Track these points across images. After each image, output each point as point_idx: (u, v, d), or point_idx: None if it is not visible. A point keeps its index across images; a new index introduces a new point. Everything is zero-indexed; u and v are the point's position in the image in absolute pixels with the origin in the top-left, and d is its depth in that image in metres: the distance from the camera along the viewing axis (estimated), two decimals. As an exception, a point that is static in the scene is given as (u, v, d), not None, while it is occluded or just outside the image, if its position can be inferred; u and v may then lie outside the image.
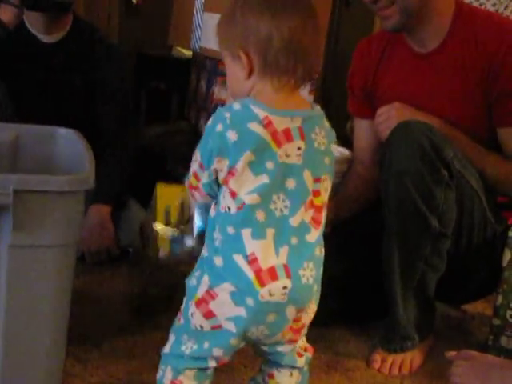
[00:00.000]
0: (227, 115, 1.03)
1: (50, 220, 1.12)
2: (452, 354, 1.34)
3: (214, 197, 1.08)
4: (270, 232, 1.04)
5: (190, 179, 1.10)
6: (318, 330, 1.44)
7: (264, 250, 1.03)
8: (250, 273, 1.03)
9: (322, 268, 1.13)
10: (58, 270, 1.17)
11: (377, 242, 1.59)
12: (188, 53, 3.36)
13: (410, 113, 1.62)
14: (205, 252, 1.09)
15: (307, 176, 1.07)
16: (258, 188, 1.03)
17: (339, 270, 1.73)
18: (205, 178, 1.07)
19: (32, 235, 1.11)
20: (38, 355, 1.19)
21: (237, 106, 1.05)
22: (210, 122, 1.06)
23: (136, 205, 2.15)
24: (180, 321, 1.12)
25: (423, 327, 1.60)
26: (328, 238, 1.72)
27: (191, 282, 1.10)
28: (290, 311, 1.07)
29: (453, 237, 1.54)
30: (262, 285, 1.03)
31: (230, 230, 1.04)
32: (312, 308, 1.12)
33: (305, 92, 2.27)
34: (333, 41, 3.65)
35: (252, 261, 1.03)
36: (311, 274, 1.08)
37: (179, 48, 3.31)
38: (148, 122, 3.18)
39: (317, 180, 1.08)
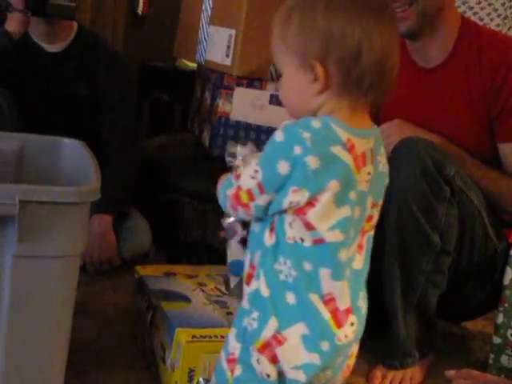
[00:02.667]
0: (306, 136, 0.86)
1: (55, 231, 1.12)
2: (452, 372, 1.34)
3: (263, 217, 0.94)
4: (348, 271, 0.93)
5: (237, 191, 0.93)
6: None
7: (341, 291, 0.92)
8: (326, 313, 0.91)
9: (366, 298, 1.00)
10: (62, 281, 1.17)
11: (378, 258, 1.59)
12: (192, 65, 3.37)
13: (411, 129, 1.63)
14: (263, 290, 0.92)
15: (369, 202, 0.94)
16: (341, 223, 0.89)
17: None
18: (262, 200, 0.91)
19: (37, 246, 1.11)
20: (39, 366, 1.19)
21: (316, 124, 0.88)
22: (280, 138, 0.88)
23: (138, 215, 2.15)
24: (235, 372, 0.95)
25: (424, 344, 1.60)
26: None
27: (247, 324, 0.93)
28: (352, 348, 0.97)
29: (454, 253, 1.55)
30: (340, 326, 0.91)
31: (307, 266, 0.90)
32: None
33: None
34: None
35: (328, 301, 0.91)
36: (363, 304, 0.97)
37: (184, 60, 3.32)
38: (151, 134, 3.18)
39: (375, 205, 0.96)
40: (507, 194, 1.64)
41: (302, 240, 0.90)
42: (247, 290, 0.96)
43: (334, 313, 0.91)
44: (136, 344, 1.56)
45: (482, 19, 2.62)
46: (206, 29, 2.39)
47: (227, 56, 2.21)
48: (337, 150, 0.88)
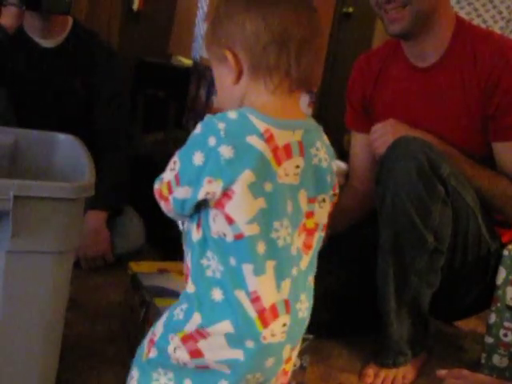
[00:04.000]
0: (221, 126, 0.88)
1: (50, 226, 1.12)
2: (443, 372, 1.34)
3: (183, 216, 0.94)
4: (270, 265, 0.90)
5: (160, 185, 0.94)
6: (311, 343, 1.44)
7: (265, 287, 0.90)
8: (252, 312, 0.89)
9: (312, 299, 0.99)
10: (56, 277, 1.16)
11: (371, 256, 1.60)
12: (188, 62, 3.37)
13: (405, 129, 1.63)
14: (191, 286, 0.93)
15: (302, 197, 0.93)
16: (257, 215, 0.88)
17: (333, 283, 1.74)
18: (179, 193, 0.91)
19: (31, 241, 1.11)
20: (31, 362, 1.18)
21: (232, 115, 0.90)
22: (198, 130, 0.90)
23: (132, 212, 2.15)
24: (150, 354, 0.95)
25: (416, 343, 1.61)
26: (322, 251, 1.76)
27: (176, 314, 0.94)
28: (286, 351, 0.94)
29: (447, 253, 1.55)
30: (265, 325, 0.90)
31: (232, 261, 0.89)
32: (300, 343, 1.00)
33: (304, 104, 2.28)
34: (331, 53, 3.67)
35: (255, 299, 0.89)
36: (306, 306, 0.96)
37: (179, 57, 3.32)
38: (145, 130, 3.18)
39: (312, 200, 0.95)
40: (501, 194, 1.65)
41: (225, 235, 0.89)
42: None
43: (261, 312, 0.90)
44: (129, 340, 1.55)
45: (485, 21, 2.63)
46: (201, 26, 2.39)
47: (223, 53, 2.20)
48: (252, 139, 0.88)
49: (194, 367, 0.92)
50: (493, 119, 1.62)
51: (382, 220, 1.53)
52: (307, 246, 0.96)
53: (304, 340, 1.42)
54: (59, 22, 2.09)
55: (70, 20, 2.14)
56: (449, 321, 1.95)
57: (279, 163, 0.89)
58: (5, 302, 1.13)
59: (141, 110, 3.45)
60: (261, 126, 0.89)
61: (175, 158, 0.91)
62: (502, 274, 1.58)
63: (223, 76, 0.96)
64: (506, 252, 1.58)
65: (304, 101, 2.29)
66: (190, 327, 0.91)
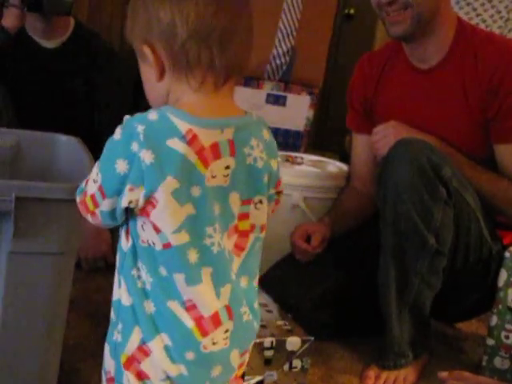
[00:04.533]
0: (140, 129, 0.81)
1: (51, 228, 1.12)
2: (445, 374, 1.34)
3: (115, 224, 0.88)
4: (207, 272, 0.85)
5: (82, 198, 0.87)
6: (312, 345, 1.44)
7: (203, 296, 0.85)
8: (189, 321, 0.85)
9: (256, 300, 0.94)
10: (57, 278, 1.16)
11: (373, 258, 1.60)
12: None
13: (407, 131, 1.63)
14: (125, 299, 0.87)
15: (234, 199, 0.87)
16: (185, 223, 0.83)
17: (334, 285, 1.75)
18: (105, 206, 0.84)
19: (32, 242, 1.11)
20: (32, 362, 1.18)
21: (152, 115, 0.82)
22: (117, 135, 0.83)
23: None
24: None
25: (418, 345, 1.60)
26: (324, 252, 1.76)
27: (115, 338, 0.88)
28: (234, 357, 0.90)
29: (449, 255, 1.55)
30: (204, 334, 0.85)
31: (163, 271, 0.84)
32: (251, 346, 0.95)
33: (305, 106, 2.28)
34: (333, 55, 3.67)
35: (190, 307, 0.85)
36: (248, 310, 0.91)
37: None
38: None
39: (246, 202, 0.88)
40: (503, 196, 1.65)
41: (154, 243, 0.84)
42: (113, 299, 0.91)
43: (198, 320, 0.85)
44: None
45: (484, 21, 2.64)
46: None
47: (224, 54, 2.20)
48: (173, 142, 0.81)
49: None
50: (494, 121, 1.62)
51: (383, 222, 1.53)
52: (239, 248, 0.89)
53: (305, 342, 1.42)
54: (61, 23, 2.10)
55: (72, 21, 2.15)
56: (450, 323, 1.95)
57: (206, 165, 0.83)
58: (6, 303, 1.13)
59: (143, 109, 3.45)
60: (182, 126, 0.82)
61: (96, 169, 0.85)
62: (503, 276, 1.58)
63: (147, 72, 0.89)
64: (507, 254, 1.58)
65: (305, 102, 2.29)
66: (130, 347, 0.86)
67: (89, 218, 0.88)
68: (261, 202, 0.90)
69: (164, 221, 0.82)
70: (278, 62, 2.19)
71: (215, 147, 0.83)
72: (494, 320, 1.59)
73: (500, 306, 1.58)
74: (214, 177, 0.84)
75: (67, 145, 1.52)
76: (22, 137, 1.51)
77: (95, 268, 1.96)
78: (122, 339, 0.87)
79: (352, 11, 4.68)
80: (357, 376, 1.60)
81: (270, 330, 1.43)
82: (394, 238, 1.50)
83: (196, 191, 0.83)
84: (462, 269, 1.61)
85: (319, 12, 2.23)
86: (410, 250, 1.50)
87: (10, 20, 1.89)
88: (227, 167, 0.85)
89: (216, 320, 0.86)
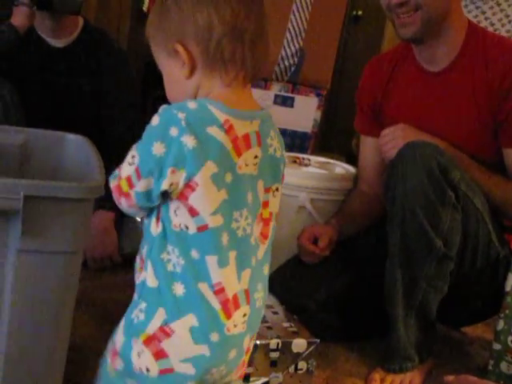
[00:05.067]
0: (181, 116, 0.86)
1: (59, 226, 1.12)
2: (451, 378, 1.33)
3: (145, 210, 0.92)
4: (232, 255, 0.90)
5: (118, 181, 0.91)
6: (318, 347, 1.43)
7: (228, 278, 0.89)
8: (216, 304, 0.89)
9: (267, 289, 0.99)
10: (64, 276, 1.16)
11: (380, 261, 1.59)
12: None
13: (415, 134, 1.63)
14: (150, 281, 0.91)
15: (260, 187, 0.93)
16: (221, 206, 0.88)
17: (340, 288, 1.74)
18: (140, 186, 0.88)
19: (40, 241, 1.11)
20: (39, 360, 1.18)
21: (192, 105, 0.88)
22: (156, 121, 0.88)
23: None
24: (116, 365, 0.94)
25: (423, 348, 1.60)
26: (331, 254, 1.76)
27: (135, 317, 0.92)
28: (246, 341, 0.94)
29: (456, 258, 1.54)
30: (229, 316, 0.89)
31: (195, 254, 0.88)
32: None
33: (313, 107, 2.28)
34: (340, 56, 3.67)
35: (218, 291, 0.89)
36: (262, 295, 0.95)
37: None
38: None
39: (267, 190, 0.94)
40: (511, 199, 1.64)
41: (187, 227, 0.88)
42: (137, 282, 0.95)
43: (225, 303, 0.89)
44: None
45: (493, 24, 2.63)
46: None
47: (232, 55, 2.20)
48: (213, 130, 0.87)
49: (157, 374, 0.90)
50: (504, 125, 1.61)
51: (391, 224, 1.52)
52: (264, 236, 0.95)
53: (311, 344, 1.42)
54: (70, 22, 2.10)
55: (81, 20, 2.15)
56: (456, 327, 1.94)
57: (239, 154, 0.89)
58: (14, 300, 1.13)
59: (150, 110, 3.45)
60: (220, 116, 0.88)
61: (133, 152, 0.89)
62: (510, 280, 1.57)
63: (174, 70, 0.93)
64: (515, 258, 1.58)
65: (313, 104, 2.28)
66: (153, 326, 0.90)
67: (122, 201, 0.92)
68: (277, 189, 0.96)
69: (203, 203, 0.87)
70: (286, 63, 2.19)
71: (247, 137, 0.90)
72: (501, 324, 1.58)
73: (507, 311, 1.57)
74: (246, 165, 0.90)
75: (75, 143, 1.52)
76: (30, 135, 1.51)
77: (102, 267, 1.97)
78: (145, 318, 0.90)
79: (360, 13, 4.67)
80: (362, 379, 1.60)
81: (276, 331, 1.43)
82: (402, 241, 1.50)
83: (228, 177, 0.88)
84: (470, 273, 1.60)
85: (328, 13, 2.22)
86: (417, 253, 1.49)
87: (20, 19, 1.89)
88: (256, 157, 0.91)
89: (236, 302, 0.90)
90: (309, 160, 2.12)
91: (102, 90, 2.13)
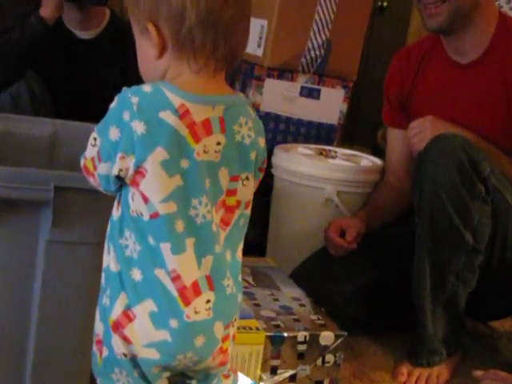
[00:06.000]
0: (134, 100, 0.84)
1: (89, 217, 1.13)
2: (479, 373, 1.32)
3: (112, 192, 0.92)
4: (190, 242, 0.88)
5: (85, 161, 0.91)
6: (345, 340, 1.43)
7: (185, 265, 0.88)
8: (173, 291, 0.87)
9: (240, 273, 0.96)
10: (94, 267, 1.16)
11: (407, 254, 1.58)
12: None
13: (444, 126, 1.61)
14: (113, 266, 0.90)
15: (223, 175, 0.90)
16: (174, 193, 0.86)
17: (368, 281, 1.74)
18: (101, 169, 0.88)
19: (70, 232, 1.12)
20: (68, 350, 1.19)
21: (147, 88, 0.86)
22: (114, 104, 0.87)
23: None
24: (103, 354, 0.91)
25: (451, 342, 1.59)
26: (358, 247, 1.75)
27: (104, 302, 0.92)
28: (218, 329, 0.91)
29: (485, 252, 1.53)
30: (187, 303, 0.88)
31: (151, 240, 0.87)
32: (237, 320, 0.97)
33: (339, 99, 2.26)
34: (365, 48, 3.64)
35: (175, 278, 0.87)
36: (232, 282, 0.93)
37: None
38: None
39: (234, 178, 0.91)
40: None
41: (141, 214, 0.86)
42: (103, 266, 0.95)
43: (181, 290, 0.87)
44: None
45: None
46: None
47: (259, 46, 2.20)
48: (165, 115, 0.84)
49: (129, 359, 0.89)
50: (534, 118, 1.59)
51: (419, 218, 1.51)
52: (225, 223, 0.92)
53: (338, 337, 1.41)
54: (97, 13, 2.11)
55: (108, 11, 2.16)
56: (484, 321, 1.93)
57: (197, 140, 0.86)
58: (44, 290, 1.14)
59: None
60: (175, 100, 0.85)
61: (95, 134, 0.88)
62: (540, 274, 1.55)
63: (145, 48, 0.91)
64: (545, 252, 1.56)
65: (339, 95, 2.27)
66: (116, 312, 0.89)
67: (91, 180, 0.92)
68: (247, 178, 0.93)
69: (152, 190, 0.85)
70: (312, 54, 2.17)
71: (207, 123, 0.87)
72: (531, 319, 1.56)
73: (537, 305, 1.56)
74: (206, 152, 0.87)
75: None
76: (59, 126, 1.52)
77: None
78: (110, 304, 0.90)
79: (385, 4, 4.63)
80: (389, 372, 1.59)
81: (304, 323, 1.42)
82: (430, 235, 1.49)
83: (185, 163, 0.86)
84: (498, 266, 1.59)
85: (355, 5, 2.20)
86: (446, 246, 1.48)
87: (48, 10, 1.90)
88: (218, 143, 0.88)
89: (196, 289, 0.88)
90: (335, 152, 2.11)
91: (128, 80, 2.13)
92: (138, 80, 2.24)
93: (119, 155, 0.85)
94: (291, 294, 1.56)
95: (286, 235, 1.98)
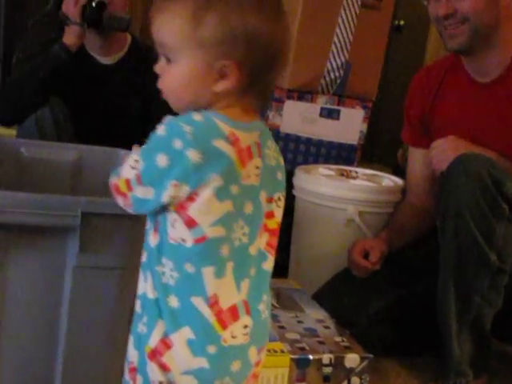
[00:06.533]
0: (187, 129, 0.85)
1: (115, 242, 1.14)
2: None
3: (141, 213, 0.93)
4: (230, 266, 0.89)
5: (117, 180, 0.92)
6: (370, 362, 1.42)
7: (225, 288, 0.88)
8: (210, 317, 0.88)
9: (270, 298, 0.97)
10: (120, 291, 1.18)
11: (430, 274, 1.58)
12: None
13: (466, 146, 1.61)
14: (150, 293, 0.91)
15: (262, 197, 0.92)
16: (223, 218, 0.87)
17: (391, 301, 1.73)
18: (139, 192, 0.89)
19: (97, 257, 1.13)
20: (95, 375, 1.20)
21: (198, 117, 0.87)
22: (162, 131, 0.87)
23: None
24: (137, 381, 0.92)
25: (478, 364, 1.57)
26: (381, 268, 1.75)
27: (140, 329, 0.92)
28: (252, 353, 0.92)
29: (511, 272, 1.51)
30: (224, 327, 0.88)
31: (189, 267, 0.87)
32: (267, 345, 0.97)
33: (359, 120, 2.27)
34: (383, 66, 3.65)
35: (213, 303, 0.88)
36: (267, 307, 0.94)
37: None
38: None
39: (269, 200, 0.94)
40: None
41: (184, 240, 0.87)
42: (139, 293, 0.95)
43: (218, 315, 0.88)
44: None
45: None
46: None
47: (278, 68, 2.21)
48: (219, 143, 0.86)
49: None
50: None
51: (443, 238, 1.50)
52: (271, 246, 0.94)
53: (364, 359, 1.40)
54: (118, 39, 2.13)
55: (129, 36, 2.18)
56: (511, 342, 1.90)
57: (243, 165, 0.88)
58: (71, 315, 1.15)
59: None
60: (226, 129, 0.87)
61: (137, 157, 0.89)
62: None
63: (202, 78, 0.89)
64: None
65: (359, 116, 2.28)
66: (154, 339, 0.89)
67: (119, 199, 0.92)
68: (279, 199, 0.96)
69: (202, 214, 0.86)
70: (332, 75, 2.18)
71: (249, 149, 0.89)
72: (558, 340, 1.55)
73: None
74: (248, 176, 0.89)
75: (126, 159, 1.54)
76: (82, 151, 1.54)
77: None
78: (147, 331, 0.90)
79: (402, 22, 4.64)
80: (415, 394, 1.58)
81: (328, 346, 1.42)
82: (455, 255, 1.48)
83: (235, 189, 0.87)
84: (524, 287, 1.57)
85: (373, 26, 2.21)
86: (470, 267, 1.47)
87: (72, 37, 1.93)
88: (257, 167, 0.90)
89: (234, 313, 0.89)
90: (356, 172, 2.11)
91: (149, 104, 2.15)
92: (158, 104, 2.25)
93: (172, 183, 0.85)
94: (315, 316, 1.56)
95: (309, 256, 1.98)
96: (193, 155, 0.84)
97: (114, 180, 0.93)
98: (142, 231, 1.19)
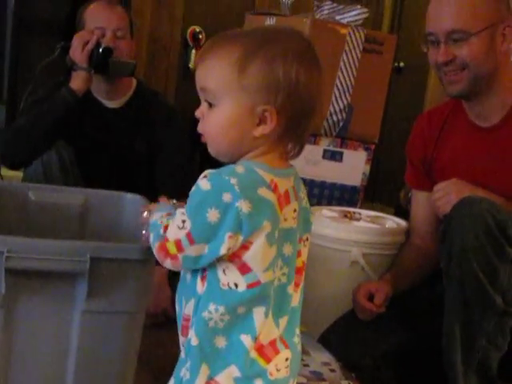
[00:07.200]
0: (234, 181, 0.88)
1: (123, 287, 1.15)
2: None
3: (194, 268, 0.94)
4: (271, 304, 0.93)
5: (164, 242, 0.93)
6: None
7: (268, 326, 0.92)
8: (253, 352, 0.91)
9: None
10: (127, 336, 1.19)
11: (435, 316, 1.58)
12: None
13: (469, 189, 1.62)
14: (194, 339, 0.92)
15: (297, 238, 0.97)
16: (272, 262, 0.92)
17: (397, 344, 1.72)
18: (192, 251, 0.90)
19: (105, 301, 1.14)
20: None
21: (240, 169, 0.91)
22: (207, 186, 0.89)
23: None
24: None
25: (485, 408, 1.56)
26: (386, 311, 1.74)
27: (183, 375, 0.94)
28: None
29: (516, 314, 1.52)
30: (268, 360, 0.92)
31: (241, 309, 0.91)
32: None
33: (361, 161, 2.30)
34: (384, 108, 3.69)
35: (259, 340, 0.92)
36: (299, 340, 0.99)
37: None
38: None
39: (300, 240, 0.98)
40: None
41: (236, 285, 0.90)
42: (183, 340, 0.96)
43: (260, 350, 0.91)
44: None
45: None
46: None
47: (281, 111, 2.24)
48: (263, 191, 0.90)
49: None
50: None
51: (447, 280, 1.51)
52: (297, 284, 0.99)
53: (370, 401, 1.40)
54: (124, 83, 2.17)
55: (134, 81, 2.22)
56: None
57: (281, 209, 0.92)
58: (79, 360, 1.15)
59: (197, 164, 3.51)
60: (267, 177, 0.91)
61: (183, 217, 0.91)
62: None
63: (244, 123, 0.93)
64: None
65: (362, 158, 2.30)
66: (199, 383, 0.91)
67: (167, 262, 0.94)
68: (307, 239, 1.01)
69: (256, 261, 0.90)
70: (334, 118, 2.22)
71: (287, 194, 0.94)
72: None
73: None
74: (285, 220, 0.93)
75: (132, 203, 1.55)
76: (89, 195, 1.56)
77: (156, 323, 1.97)
78: (190, 376, 0.92)
79: (402, 64, 4.70)
80: None
81: (335, 390, 1.41)
82: (459, 298, 1.48)
83: (277, 233, 0.92)
84: (530, 329, 1.57)
85: (375, 69, 2.26)
86: (476, 310, 1.47)
87: (78, 82, 1.96)
88: (295, 210, 0.95)
89: (274, 347, 0.93)
90: (359, 214, 2.12)
91: (155, 148, 2.18)
92: (161, 148, 2.26)
93: (228, 235, 0.88)
94: (321, 359, 1.56)
95: (313, 298, 1.97)
96: (244, 206, 0.88)
97: (158, 243, 0.94)
98: (148, 275, 1.20)
